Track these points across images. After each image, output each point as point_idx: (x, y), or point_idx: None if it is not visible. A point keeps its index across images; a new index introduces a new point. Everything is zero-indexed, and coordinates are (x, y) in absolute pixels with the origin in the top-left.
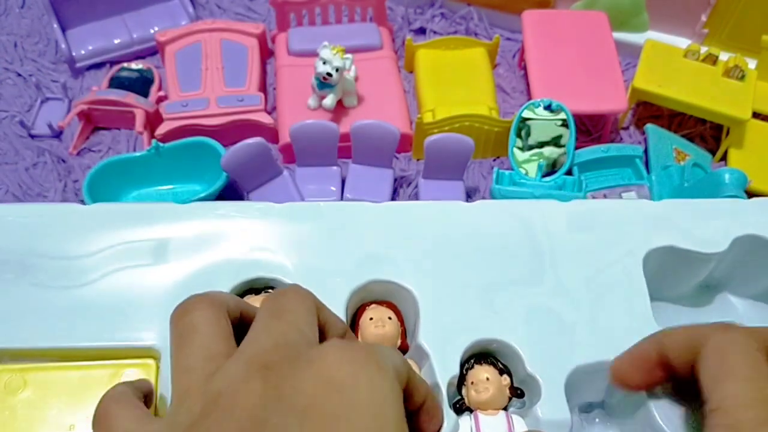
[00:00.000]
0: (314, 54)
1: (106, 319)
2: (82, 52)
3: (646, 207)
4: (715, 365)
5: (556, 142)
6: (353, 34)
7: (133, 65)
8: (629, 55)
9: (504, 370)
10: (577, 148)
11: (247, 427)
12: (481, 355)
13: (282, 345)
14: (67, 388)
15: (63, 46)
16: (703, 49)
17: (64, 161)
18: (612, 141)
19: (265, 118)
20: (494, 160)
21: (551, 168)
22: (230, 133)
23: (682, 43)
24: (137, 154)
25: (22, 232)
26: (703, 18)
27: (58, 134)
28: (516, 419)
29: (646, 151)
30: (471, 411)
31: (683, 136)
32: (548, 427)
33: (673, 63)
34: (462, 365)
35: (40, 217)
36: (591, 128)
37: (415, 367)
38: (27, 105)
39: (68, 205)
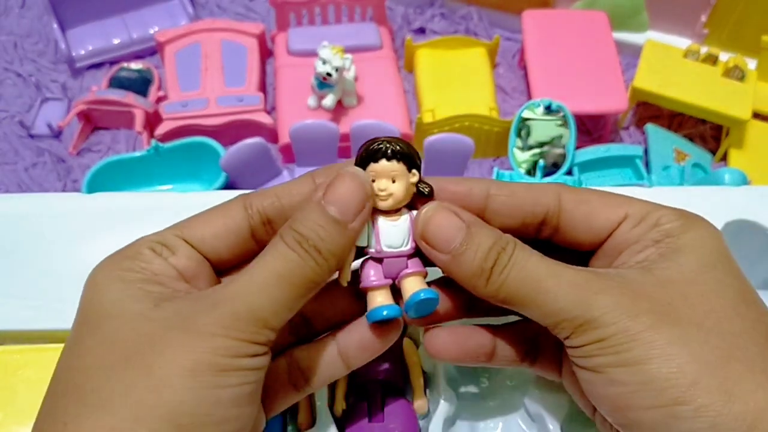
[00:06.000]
0: (314, 54)
1: None
2: (82, 52)
3: (640, 193)
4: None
5: (556, 142)
6: (353, 34)
7: (133, 65)
8: (629, 55)
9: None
10: (577, 148)
11: None
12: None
13: None
14: None
15: (63, 46)
16: (703, 50)
17: (63, 161)
18: (612, 141)
19: (264, 118)
20: (494, 160)
21: (551, 168)
22: (230, 133)
23: (682, 43)
24: (137, 154)
25: (24, 220)
26: (703, 18)
27: (57, 134)
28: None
29: (646, 151)
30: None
31: (683, 136)
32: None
33: (673, 63)
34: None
35: (42, 205)
36: (591, 128)
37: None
38: (27, 105)
39: (70, 194)
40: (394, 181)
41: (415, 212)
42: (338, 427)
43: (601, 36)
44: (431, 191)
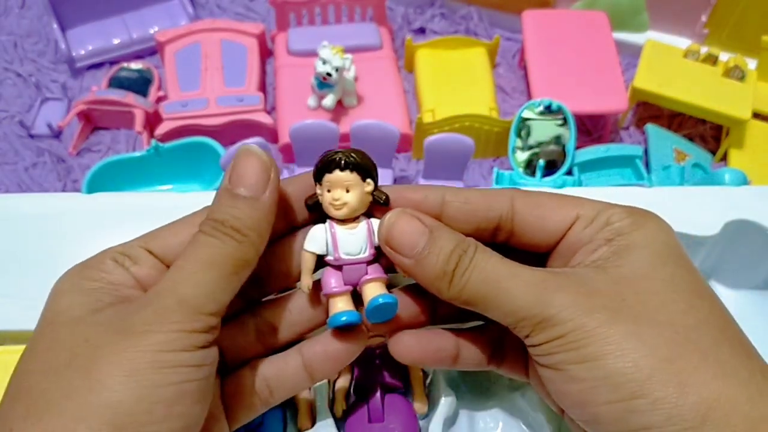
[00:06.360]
0: (314, 54)
1: None
2: (82, 52)
3: (640, 193)
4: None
5: (556, 142)
6: (353, 34)
7: (133, 65)
8: (629, 55)
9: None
10: (577, 148)
11: None
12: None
13: None
14: None
15: (63, 46)
16: (704, 50)
17: (63, 161)
18: (612, 141)
19: (264, 118)
20: (494, 160)
21: (551, 168)
22: (230, 133)
23: (682, 43)
24: (137, 154)
25: (24, 220)
26: (703, 18)
27: (57, 134)
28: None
29: (646, 151)
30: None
31: (683, 136)
32: None
33: (673, 63)
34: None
35: (42, 205)
36: (591, 128)
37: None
38: (27, 105)
39: (70, 194)
40: (348, 191)
41: (373, 220)
42: (338, 427)
43: (601, 36)
44: (387, 199)
